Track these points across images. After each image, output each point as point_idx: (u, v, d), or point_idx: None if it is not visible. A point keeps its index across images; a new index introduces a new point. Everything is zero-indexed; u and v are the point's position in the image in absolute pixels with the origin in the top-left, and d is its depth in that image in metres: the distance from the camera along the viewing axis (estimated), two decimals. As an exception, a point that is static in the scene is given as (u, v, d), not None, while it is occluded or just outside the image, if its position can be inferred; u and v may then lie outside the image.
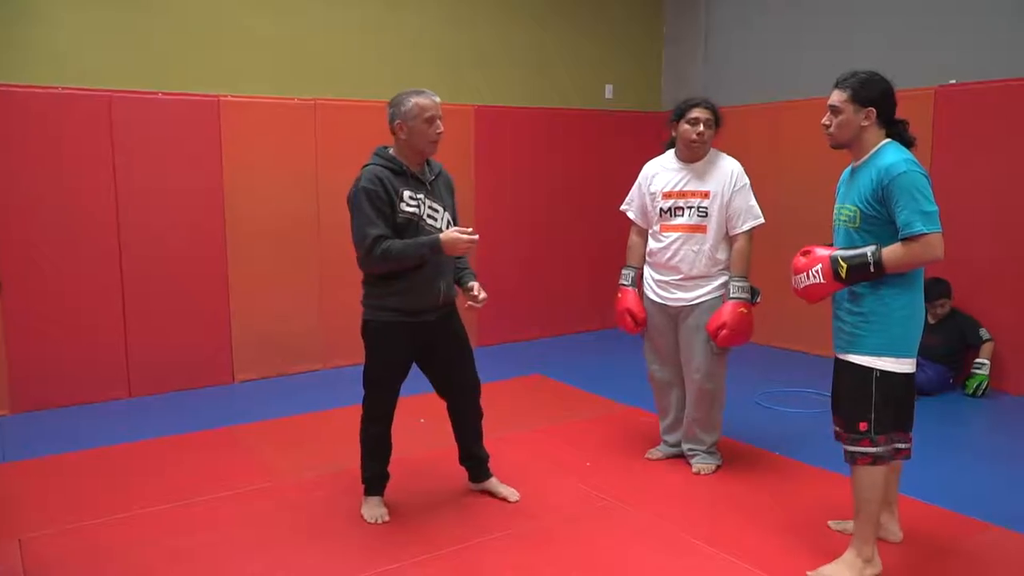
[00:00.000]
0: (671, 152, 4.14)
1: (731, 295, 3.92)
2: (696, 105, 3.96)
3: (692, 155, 4.00)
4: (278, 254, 6.08)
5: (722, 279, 3.99)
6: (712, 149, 4.06)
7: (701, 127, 3.93)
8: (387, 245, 3.29)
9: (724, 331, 3.84)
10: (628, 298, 4.14)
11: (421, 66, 6.70)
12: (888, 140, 3.01)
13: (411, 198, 3.39)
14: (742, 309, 3.85)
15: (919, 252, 2.82)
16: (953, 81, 5.80)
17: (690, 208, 3.96)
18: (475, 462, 3.85)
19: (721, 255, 3.99)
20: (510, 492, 3.81)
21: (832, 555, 3.15)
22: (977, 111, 5.64)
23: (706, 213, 3.94)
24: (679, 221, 3.99)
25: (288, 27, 6.10)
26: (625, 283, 4.19)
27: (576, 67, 7.63)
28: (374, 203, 3.32)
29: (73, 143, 5.31)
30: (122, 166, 5.47)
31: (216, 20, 5.82)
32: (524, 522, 3.57)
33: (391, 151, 3.46)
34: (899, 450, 3.06)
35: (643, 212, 4.17)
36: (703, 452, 4.18)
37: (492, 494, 3.82)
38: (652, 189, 4.09)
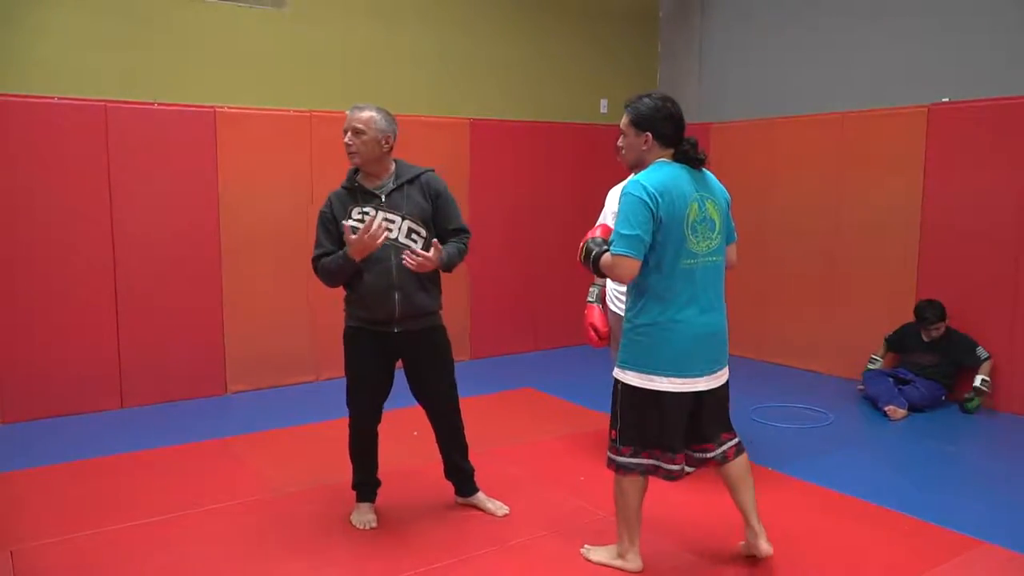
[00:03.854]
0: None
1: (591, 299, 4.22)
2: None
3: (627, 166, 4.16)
4: (272, 266, 6.08)
5: None
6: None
7: (620, 140, 4.06)
8: (321, 263, 3.50)
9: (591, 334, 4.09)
10: (593, 314, 4.38)
11: (417, 79, 6.73)
12: (659, 161, 3.07)
13: (358, 213, 3.48)
14: (588, 310, 4.11)
15: (609, 268, 2.98)
16: (946, 99, 5.84)
17: None
18: (460, 476, 3.85)
19: None
20: (497, 506, 3.81)
21: (820, 567, 3.16)
22: (970, 129, 5.68)
23: None
24: None
25: (284, 39, 6.12)
26: (591, 300, 4.45)
27: (572, 81, 7.66)
28: (322, 224, 3.55)
29: (68, 153, 5.30)
30: (117, 176, 5.47)
31: (212, 31, 5.83)
32: (518, 536, 3.56)
33: (359, 172, 3.59)
34: (658, 467, 3.11)
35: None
36: None
37: (479, 509, 3.81)
38: (611, 207, 4.29)
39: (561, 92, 7.60)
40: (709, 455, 3.19)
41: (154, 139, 5.57)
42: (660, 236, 2.93)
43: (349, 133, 3.45)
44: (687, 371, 3.02)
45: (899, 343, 5.96)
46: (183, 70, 5.75)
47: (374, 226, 3.31)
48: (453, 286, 6.66)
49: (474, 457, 3.87)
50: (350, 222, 3.43)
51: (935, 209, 5.88)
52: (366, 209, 3.47)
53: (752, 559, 3.32)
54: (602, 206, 4.43)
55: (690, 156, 3.07)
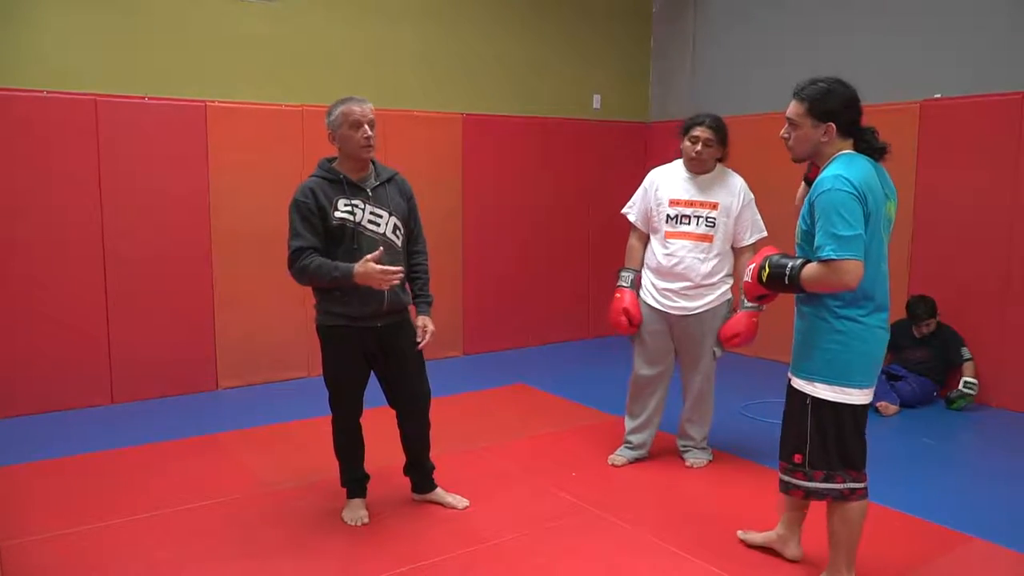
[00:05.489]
0: (679, 161, 4.26)
1: (744, 306, 4.07)
2: (699, 124, 4.13)
3: (697, 168, 4.16)
4: (263, 261, 6.04)
5: (723, 288, 4.16)
6: (719, 165, 4.21)
7: (700, 146, 4.09)
8: (306, 261, 3.36)
9: (737, 339, 4.07)
10: (626, 298, 4.23)
11: (409, 74, 6.70)
12: (844, 152, 2.79)
13: (345, 204, 3.42)
14: (754, 319, 4.07)
15: (827, 277, 2.67)
16: (938, 95, 5.85)
17: (698, 218, 4.10)
18: (422, 473, 3.86)
19: (725, 265, 4.14)
20: (458, 500, 3.82)
21: (810, 565, 3.16)
22: (962, 125, 5.68)
23: (714, 223, 4.09)
24: (686, 229, 4.11)
25: (276, 33, 6.09)
26: (624, 284, 4.27)
27: (564, 77, 7.65)
28: (302, 214, 3.39)
29: (58, 147, 5.27)
30: (108, 171, 5.43)
31: (204, 25, 5.79)
32: (510, 533, 3.55)
33: (335, 162, 3.54)
34: (855, 490, 2.82)
35: (645, 217, 4.26)
36: (695, 448, 4.40)
37: (440, 504, 3.82)
38: (659, 195, 4.19)
39: (554, 87, 7.58)
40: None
41: (145, 134, 5.54)
42: (867, 236, 2.67)
43: (366, 126, 3.41)
44: (873, 381, 2.85)
45: (891, 340, 5.95)
46: (174, 64, 5.71)
47: (394, 273, 3.29)
48: (446, 282, 6.66)
49: (465, 453, 3.88)
50: (336, 213, 3.40)
51: (927, 205, 5.88)
52: (355, 201, 3.44)
53: (749, 552, 3.34)
54: (630, 191, 4.36)
55: (874, 146, 2.78)
